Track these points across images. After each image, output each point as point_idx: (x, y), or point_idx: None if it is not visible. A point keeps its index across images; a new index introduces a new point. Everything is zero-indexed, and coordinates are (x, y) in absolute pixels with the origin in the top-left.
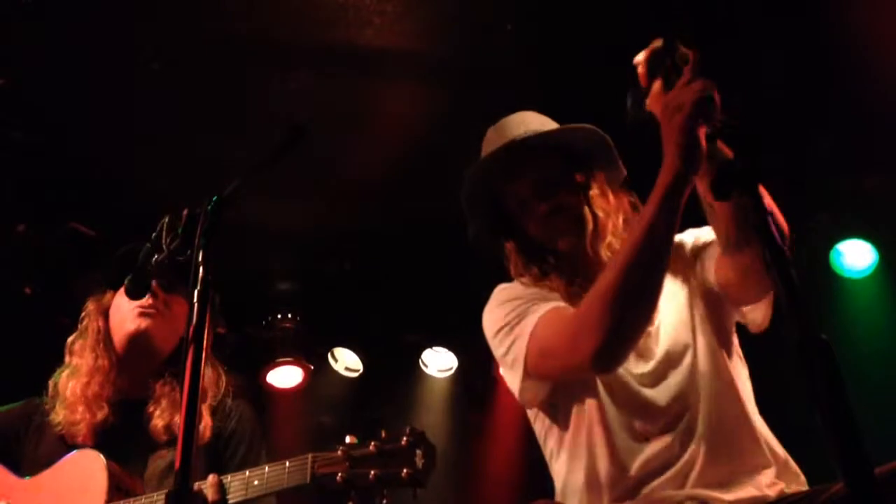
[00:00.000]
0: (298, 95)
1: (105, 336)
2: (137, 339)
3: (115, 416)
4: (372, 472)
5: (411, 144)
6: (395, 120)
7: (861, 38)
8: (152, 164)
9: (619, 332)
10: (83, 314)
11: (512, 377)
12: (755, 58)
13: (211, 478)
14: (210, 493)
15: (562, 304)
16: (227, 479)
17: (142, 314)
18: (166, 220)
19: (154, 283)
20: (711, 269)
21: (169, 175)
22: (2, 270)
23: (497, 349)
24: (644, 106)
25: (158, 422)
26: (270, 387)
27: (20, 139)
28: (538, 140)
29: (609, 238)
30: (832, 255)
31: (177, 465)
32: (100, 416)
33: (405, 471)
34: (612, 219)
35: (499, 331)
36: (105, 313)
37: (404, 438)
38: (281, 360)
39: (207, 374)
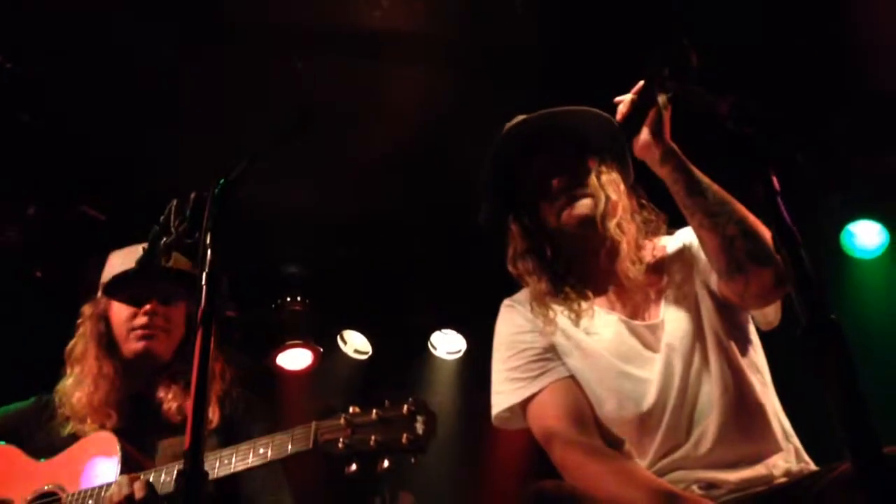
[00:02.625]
0: (306, 78)
1: (107, 340)
2: (140, 356)
3: (123, 419)
4: (373, 438)
5: (420, 127)
6: (404, 103)
7: (877, 17)
8: (161, 147)
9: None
10: (80, 320)
11: (494, 402)
12: (770, 38)
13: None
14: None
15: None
16: (235, 446)
17: (143, 336)
18: (174, 203)
19: (154, 301)
20: (713, 282)
21: (177, 158)
22: (13, 253)
23: (493, 375)
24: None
25: (172, 404)
26: (280, 369)
27: (29, 122)
28: (555, 121)
29: (618, 218)
30: (843, 235)
31: (186, 444)
32: (108, 424)
33: (405, 436)
34: (623, 202)
35: (498, 369)
36: (104, 317)
37: (405, 406)
38: (290, 342)
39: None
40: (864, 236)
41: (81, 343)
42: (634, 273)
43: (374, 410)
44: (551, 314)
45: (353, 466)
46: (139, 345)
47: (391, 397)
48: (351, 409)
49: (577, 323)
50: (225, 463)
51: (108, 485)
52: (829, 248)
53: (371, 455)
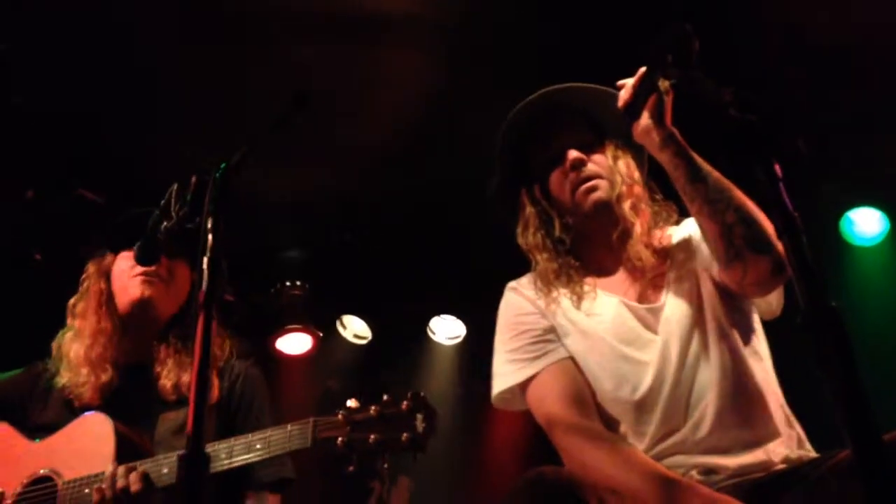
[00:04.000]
0: (303, 62)
1: (107, 298)
2: (140, 305)
3: (120, 378)
4: (372, 437)
5: (417, 111)
6: (401, 87)
7: (879, 4)
8: (159, 131)
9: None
10: (84, 276)
11: (494, 383)
12: (768, 25)
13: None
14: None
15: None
16: (231, 441)
17: (144, 281)
18: (174, 187)
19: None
20: (714, 270)
21: (176, 142)
22: (11, 236)
23: (495, 356)
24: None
25: (166, 382)
26: (280, 353)
27: (26, 106)
28: (575, 99)
29: (633, 200)
30: (843, 222)
31: (189, 429)
32: (104, 377)
33: (405, 435)
34: (637, 188)
35: (499, 350)
36: (106, 275)
37: (405, 403)
38: (290, 327)
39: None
40: (864, 223)
41: (83, 299)
42: (646, 256)
43: (373, 407)
44: (554, 293)
45: (352, 467)
46: (136, 291)
47: (390, 383)
48: (349, 404)
49: (578, 304)
50: (222, 458)
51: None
52: (828, 236)
53: (370, 454)
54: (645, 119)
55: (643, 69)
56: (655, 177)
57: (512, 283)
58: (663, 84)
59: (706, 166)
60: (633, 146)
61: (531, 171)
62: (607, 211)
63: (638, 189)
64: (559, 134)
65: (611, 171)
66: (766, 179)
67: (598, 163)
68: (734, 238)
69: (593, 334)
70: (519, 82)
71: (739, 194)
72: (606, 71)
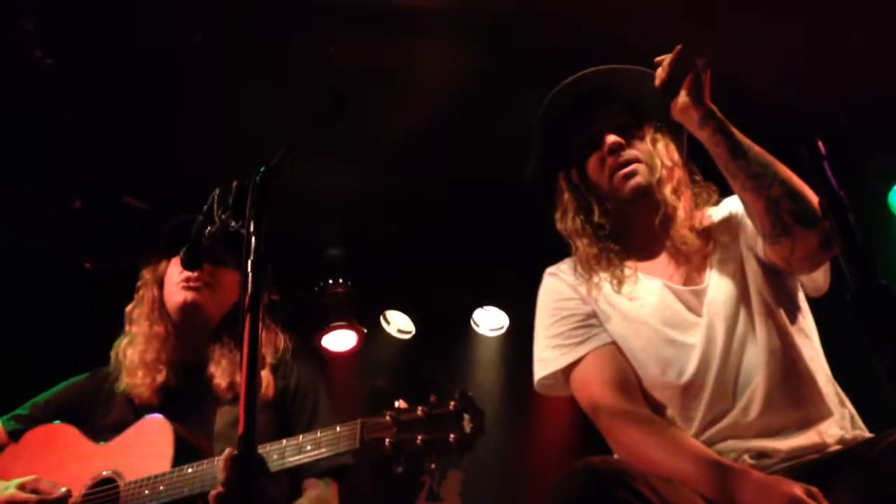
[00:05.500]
0: (340, 58)
1: (160, 304)
2: (185, 310)
3: (175, 378)
4: (419, 437)
5: (454, 101)
6: (437, 77)
7: None
8: (200, 136)
9: None
10: (139, 283)
11: (536, 368)
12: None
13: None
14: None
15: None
16: (283, 443)
17: (188, 287)
18: (217, 192)
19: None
20: (759, 248)
21: (217, 147)
22: (61, 246)
23: (536, 342)
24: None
25: (221, 381)
26: (326, 351)
27: (72, 119)
28: (613, 82)
29: (674, 184)
30: (891, 196)
31: (240, 430)
32: (159, 378)
33: (452, 436)
34: (677, 170)
35: (540, 335)
36: (160, 282)
37: (452, 403)
38: (335, 324)
39: (264, 336)
40: None
41: (138, 306)
42: (691, 239)
43: (420, 408)
44: (595, 278)
45: (400, 467)
46: (180, 297)
47: (435, 377)
48: (397, 404)
49: (619, 289)
50: (274, 458)
51: (163, 475)
52: (875, 210)
53: (418, 455)
54: (683, 97)
55: (679, 46)
56: (695, 158)
57: (551, 269)
58: (700, 62)
59: (747, 141)
60: (673, 128)
61: (569, 155)
62: (647, 196)
63: (678, 172)
64: (597, 117)
65: (650, 155)
66: (810, 158)
67: (637, 147)
68: (780, 212)
69: (636, 318)
70: (549, 73)
71: (783, 168)
72: (638, 60)
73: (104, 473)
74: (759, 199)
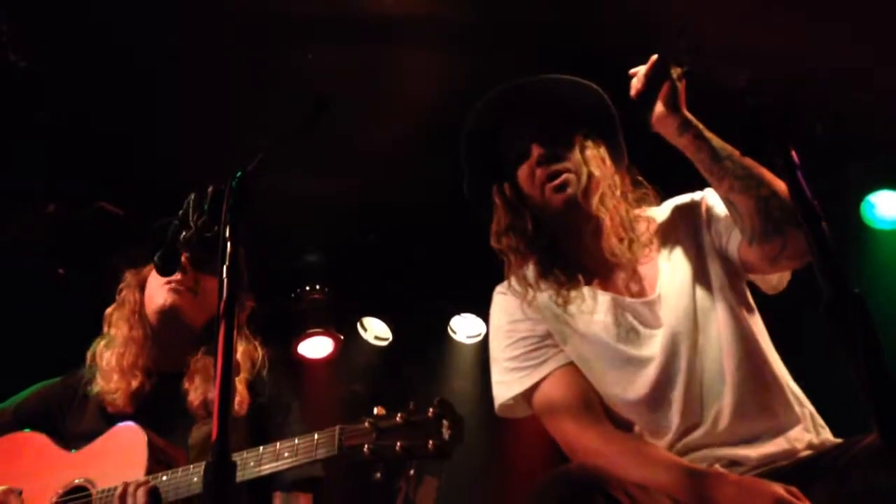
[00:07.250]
0: (320, 67)
1: (140, 308)
2: (166, 313)
3: (153, 385)
4: (398, 444)
5: (435, 112)
6: (418, 87)
7: None
8: (177, 141)
9: None
10: (121, 285)
11: (496, 392)
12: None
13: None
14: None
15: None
16: (259, 450)
17: (170, 290)
18: (192, 197)
19: (185, 259)
20: (734, 249)
21: (193, 152)
22: (34, 251)
23: (493, 364)
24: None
25: (194, 399)
26: (302, 357)
27: (46, 120)
28: (544, 90)
29: (601, 194)
30: (863, 206)
31: (213, 437)
32: (134, 384)
33: (431, 442)
34: (607, 179)
35: (497, 358)
36: (141, 286)
37: (431, 410)
38: (311, 331)
39: (241, 348)
40: (885, 206)
41: (118, 308)
42: (621, 250)
43: (399, 414)
44: (542, 297)
45: (379, 474)
46: (160, 300)
47: (412, 383)
48: (376, 411)
49: (566, 307)
50: (251, 465)
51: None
52: (849, 220)
53: (397, 461)
54: (659, 107)
55: (654, 57)
56: (637, 161)
57: (500, 288)
58: (675, 71)
59: (727, 146)
60: (607, 135)
61: (501, 167)
62: (578, 207)
63: (609, 180)
64: (525, 128)
65: (577, 164)
66: (784, 167)
67: (566, 157)
68: (771, 210)
69: (592, 338)
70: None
71: (764, 170)
72: (622, 66)
73: (76, 481)
74: (748, 199)
